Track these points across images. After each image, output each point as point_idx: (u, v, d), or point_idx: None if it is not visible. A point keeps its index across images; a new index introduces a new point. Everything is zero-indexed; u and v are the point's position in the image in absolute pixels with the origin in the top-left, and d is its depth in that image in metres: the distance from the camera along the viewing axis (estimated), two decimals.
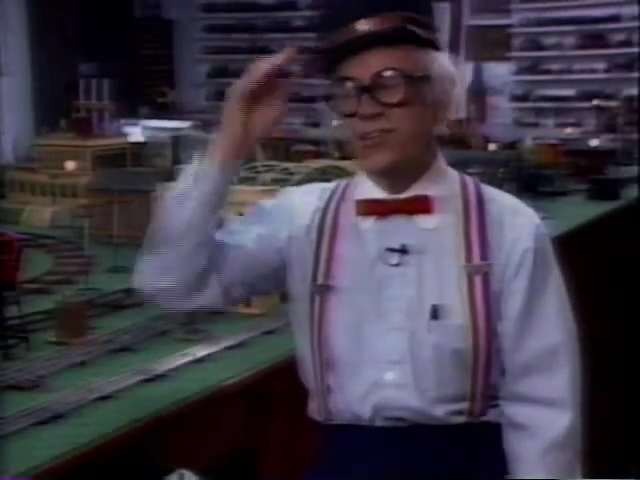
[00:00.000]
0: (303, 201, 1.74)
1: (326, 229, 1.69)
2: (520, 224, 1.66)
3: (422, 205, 1.64)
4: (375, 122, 1.57)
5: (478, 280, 1.61)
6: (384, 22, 1.56)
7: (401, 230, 1.64)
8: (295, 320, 1.72)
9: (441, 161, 1.69)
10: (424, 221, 1.64)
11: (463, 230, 1.63)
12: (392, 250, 1.63)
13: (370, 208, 1.66)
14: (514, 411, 1.62)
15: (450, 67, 1.64)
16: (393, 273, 1.63)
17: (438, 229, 1.63)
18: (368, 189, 1.68)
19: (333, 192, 1.74)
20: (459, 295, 1.60)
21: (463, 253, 1.62)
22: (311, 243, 1.69)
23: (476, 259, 1.61)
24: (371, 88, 1.56)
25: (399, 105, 1.57)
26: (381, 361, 1.61)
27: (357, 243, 1.66)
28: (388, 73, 1.56)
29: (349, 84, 1.58)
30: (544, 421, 1.60)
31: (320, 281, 1.66)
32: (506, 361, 1.63)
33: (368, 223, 1.66)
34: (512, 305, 1.62)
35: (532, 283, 1.62)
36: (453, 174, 1.71)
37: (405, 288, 1.62)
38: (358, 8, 1.56)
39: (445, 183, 1.67)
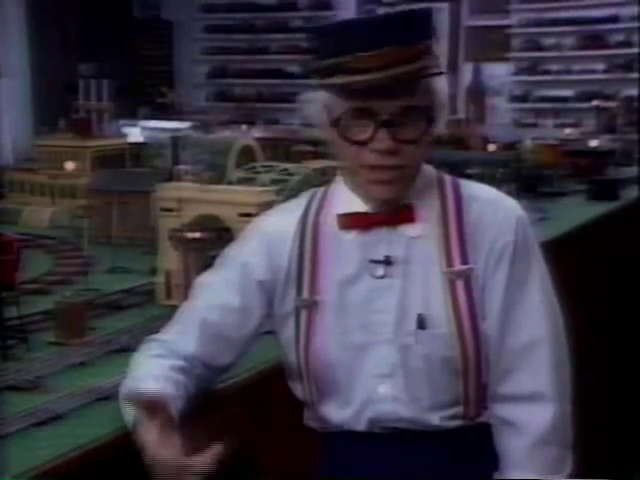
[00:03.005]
0: (278, 227, 1.69)
1: (307, 242, 1.65)
2: (500, 219, 1.62)
3: (406, 215, 1.61)
4: (388, 157, 1.53)
5: (460, 285, 1.59)
6: (408, 56, 1.50)
7: (385, 241, 1.61)
8: (280, 334, 1.69)
9: (423, 167, 1.65)
10: (408, 230, 1.61)
11: (443, 235, 1.61)
12: (376, 262, 1.61)
13: (353, 222, 1.62)
14: (499, 410, 1.62)
15: (445, 91, 1.59)
16: (379, 285, 1.60)
17: (421, 237, 1.61)
18: (349, 201, 1.64)
19: (309, 204, 1.70)
20: (443, 303, 1.58)
21: (444, 259, 1.59)
22: (293, 259, 1.66)
23: (457, 264, 1.59)
24: (390, 123, 1.51)
25: (414, 142, 1.54)
26: (372, 375, 1.60)
27: (340, 255, 1.63)
28: (411, 111, 1.52)
29: (365, 115, 1.52)
30: (527, 417, 1.59)
31: (305, 295, 1.63)
32: (490, 363, 1.61)
33: (351, 235, 1.63)
34: (493, 301, 1.60)
35: (512, 276, 1.60)
36: (431, 176, 1.67)
37: (391, 299, 1.59)
38: (378, 39, 1.49)
39: (425, 189, 1.64)
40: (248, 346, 1.71)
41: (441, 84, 1.58)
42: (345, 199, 1.65)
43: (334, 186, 1.70)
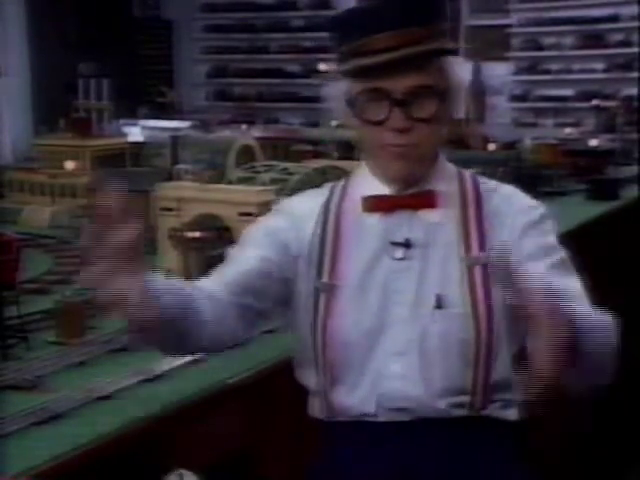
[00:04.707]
0: (303, 207, 1.75)
1: (329, 227, 1.71)
2: (518, 208, 1.70)
3: (427, 200, 1.68)
4: (403, 135, 1.60)
5: (478, 271, 1.63)
6: (420, 36, 1.56)
7: (406, 224, 1.67)
8: (297, 315, 1.72)
9: (442, 157, 1.73)
10: (428, 215, 1.67)
11: (462, 223, 1.67)
12: (396, 244, 1.65)
13: (377, 204, 1.69)
14: None
15: (462, 73, 1.66)
16: (398, 267, 1.66)
17: (441, 223, 1.67)
18: (373, 185, 1.70)
19: (332, 191, 1.76)
20: (460, 285, 1.63)
21: (462, 245, 1.65)
22: (314, 240, 1.70)
23: (475, 251, 1.65)
24: (404, 102, 1.58)
25: (428, 120, 1.60)
26: (387, 353, 1.63)
27: (362, 239, 1.68)
28: (423, 89, 1.58)
29: (380, 95, 1.59)
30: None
31: (325, 279, 1.68)
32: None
33: (374, 219, 1.69)
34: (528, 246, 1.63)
35: (538, 241, 1.65)
36: (451, 169, 1.75)
37: (410, 281, 1.64)
38: (391, 20, 1.56)
39: (445, 178, 1.71)
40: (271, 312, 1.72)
41: (458, 66, 1.64)
42: (367, 184, 1.71)
43: (355, 175, 1.76)
